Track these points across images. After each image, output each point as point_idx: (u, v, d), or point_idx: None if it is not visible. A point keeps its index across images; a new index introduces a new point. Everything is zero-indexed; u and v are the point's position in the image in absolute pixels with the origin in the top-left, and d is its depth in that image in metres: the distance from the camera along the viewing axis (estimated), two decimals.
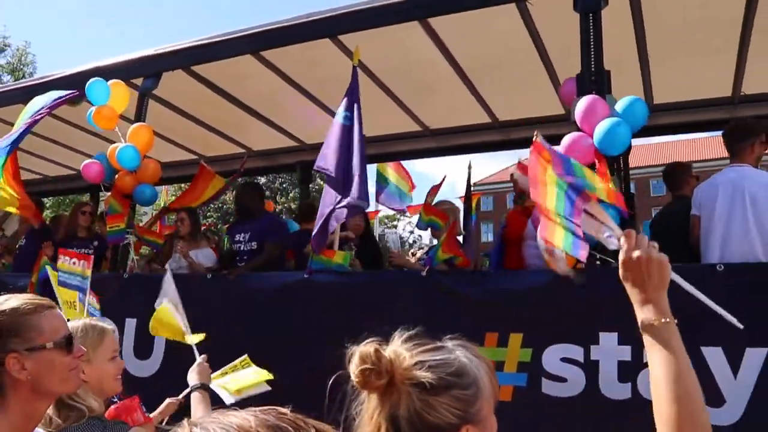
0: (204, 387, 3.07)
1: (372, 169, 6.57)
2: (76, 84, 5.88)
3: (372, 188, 6.30)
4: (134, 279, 5.40)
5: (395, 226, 33.50)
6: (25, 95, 6.30)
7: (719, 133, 4.82)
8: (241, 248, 5.67)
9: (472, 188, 5.47)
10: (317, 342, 4.61)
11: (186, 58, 5.69)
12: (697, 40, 5.29)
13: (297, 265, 5.76)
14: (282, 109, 6.65)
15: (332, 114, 5.17)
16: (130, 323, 5.13)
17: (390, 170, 9.56)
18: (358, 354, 1.44)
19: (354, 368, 1.44)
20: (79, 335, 2.60)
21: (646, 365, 3.63)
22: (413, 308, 4.34)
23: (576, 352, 3.84)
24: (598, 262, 3.96)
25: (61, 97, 5.64)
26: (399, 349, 1.48)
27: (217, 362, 3.91)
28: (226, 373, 3.49)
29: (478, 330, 4.08)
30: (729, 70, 5.68)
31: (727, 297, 3.59)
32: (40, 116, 5.45)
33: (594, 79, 4.24)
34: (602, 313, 3.84)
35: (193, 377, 3.11)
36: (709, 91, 6.06)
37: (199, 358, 3.25)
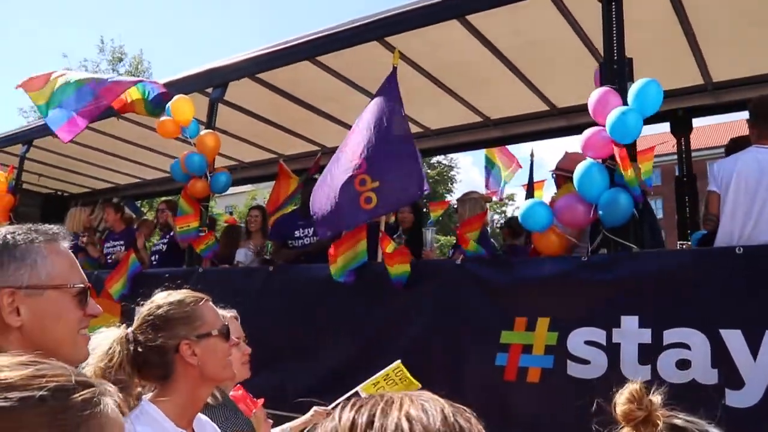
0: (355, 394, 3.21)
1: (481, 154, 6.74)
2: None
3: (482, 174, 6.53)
4: (207, 273, 5.90)
5: (504, 212, 33.29)
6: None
7: None
8: (302, 244, 6.06)
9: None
10: (368, 328, 4.96)
11: (250, 67, 6.14)
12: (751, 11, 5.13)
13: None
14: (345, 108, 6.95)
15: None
16: None
17: (496, 155, 9.75)
18: (628, 391, 1.61)
19: (622, 403, 1.61)
20: None
21: (665, 347, 3.77)
22: (450, 295, 4.59)
23: (599, 335, 3.94)
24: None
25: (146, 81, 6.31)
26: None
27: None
28: (378, 382, 3.59)
29: (509, 315, 4.27)
30: None
31: (747, 280, 3.66)
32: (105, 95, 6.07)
33: (616, 68, 4.30)
34: (624, 297, 3.94)
35: None
36: None
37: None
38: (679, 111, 6.38)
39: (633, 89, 4.09)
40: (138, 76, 27.35)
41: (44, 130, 7.97)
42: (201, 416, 2.25)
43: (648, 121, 6.59)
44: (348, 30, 5.53)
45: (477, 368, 4.33)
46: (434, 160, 30.73)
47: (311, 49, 5.77)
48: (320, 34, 5.71)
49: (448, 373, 4.42)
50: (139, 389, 2.08)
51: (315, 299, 5.23)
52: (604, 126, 4.12)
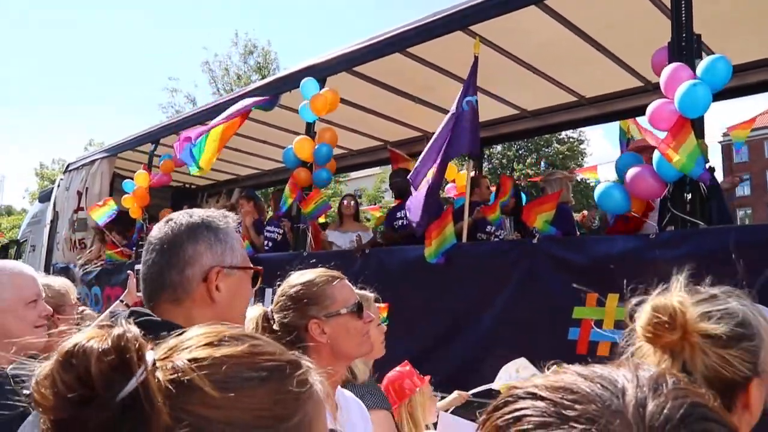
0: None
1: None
2: (274, 89, 7.25)
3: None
4: (310, 257, 6.39)
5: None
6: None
7: None
8: (402, 224, 6.44)
9: None
10: (455, 309, 5.26)
11: (345, 63, 6.54)
12: None
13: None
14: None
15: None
16: None
17: (629, 125, 9.66)
18: (651, 306, 1.37)
19: (644, 321, 1.36)
20: None
21: None
22: (524, 273, 4.80)
23: None
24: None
25: (251, 104, 6.87)
26: (683, 299, 1.38)
27: None
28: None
29: (580, 291, 4.43)
30: None
31: None
32: (231, 118, 6.69)
33: (684, 44, 4.31)
34: (690, 273, 4.00)
35: None
36: None
37: None
38: None
39: (702, 65, 4.13)
40: (266, 67, 28.71)
41: (169, 129, 8.83)
42: (345, 392, 2.32)
43: (749, 90, 6.48)
44: (431, 22, 5.79)
45: (551, 342, 4.52)
46: (563, 134, 30.23)
47: (399, 42, 6.07)
48: (406, 28, 6.00)
49: (525, 347, 4.64)
50: None
51: (408, 280, 5.57)
52: (671, 99, 4.19)
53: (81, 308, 3.78)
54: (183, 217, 1.78)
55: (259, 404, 0.79)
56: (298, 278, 2.23)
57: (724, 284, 3.79)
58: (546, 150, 31.12)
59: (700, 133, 4.21)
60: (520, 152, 31.54)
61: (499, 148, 30.05)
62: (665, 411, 0.65)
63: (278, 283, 2.30)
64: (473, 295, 5.05)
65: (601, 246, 4.56)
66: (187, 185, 12.08)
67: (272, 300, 2.29)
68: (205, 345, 0.82)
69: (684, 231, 4.13)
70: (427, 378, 3.44)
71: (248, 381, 0.79)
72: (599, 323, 4.32)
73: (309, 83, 6.39)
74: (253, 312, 2.21)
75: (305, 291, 2.16)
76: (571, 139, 31.25)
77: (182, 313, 1.66)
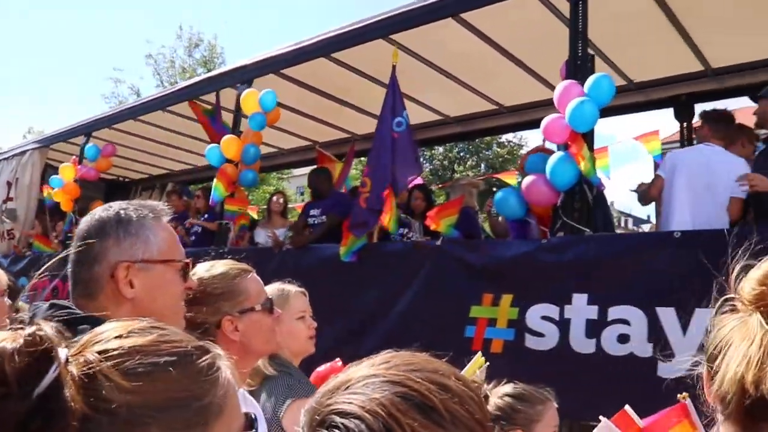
0: None
1: None
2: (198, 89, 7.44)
3: None
4: (229, 252, 6.54)
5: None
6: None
7: None
8: (315, 222, 6.65)
9: None
10: (367, 305, 5.49)
11: (273, 65, 6.73)
12: None
13: None
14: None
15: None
16: None
17: None
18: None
19: (759, 278, 1.23)
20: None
21: (609, 323, 4.16)
22: (429, 272, 5.07)
23: (553, 310, 4.34)
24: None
25: None
26: None
27: None
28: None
29: (478, 291, 4.71)
30: None
31: (682, 262, 3.99)
32: None
33: (579, 64, 4.63)
34: (575, 276, 4.32)
35: None
36: None
37: None
38: (682, 96, 6.57)
39: (588, 83, 4.44)
40: (212, 61, 28.64)
41: (102, 122, 8.87)
42: (242, 390, 2.13)
43: (652, 106, 6.88)
44: (354, 30, 6.02)
45: (450, 339, 4.77)
46: (503, 138, 30.78)
47: (324, 48, 6.29)
48: (331, 34, 6.22)
49: (427, 343, 4.89)
50: None
51: (324, 277, 5.78)
52: (563, 114, 4.49)
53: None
54: (99, 211, 1.72)
55: (168, 387, 0.84)
56: (208, 270, 2.08)
57: (608, 285, 4.14)
58: (486, 153, 31.69)
59: (590, 146, 4.53)
60: (461, 154, 32.10)
61: (440, 149, 30.60)
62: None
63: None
64: (382, 292, 5.30)
65: (497, 249, 4.86)
66: (121, 178, 12.07)
67: None
68: (114, 338, 0.87)
69: (572, 237, 4.44)
70: None
71: (156, 366, 0.84)
72: (493, 322, 4.62)
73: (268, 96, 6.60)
74: None
75: (218, 285, 2.03)
76: (510, 143, 31.86)
77: (97, 308, 1.60)
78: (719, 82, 6.47)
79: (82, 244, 1.66)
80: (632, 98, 6.90)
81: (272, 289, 2.74)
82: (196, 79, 8.30)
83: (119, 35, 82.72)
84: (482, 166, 30.68)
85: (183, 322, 1.78)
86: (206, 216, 7.91)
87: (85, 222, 1.71)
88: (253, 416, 1.04)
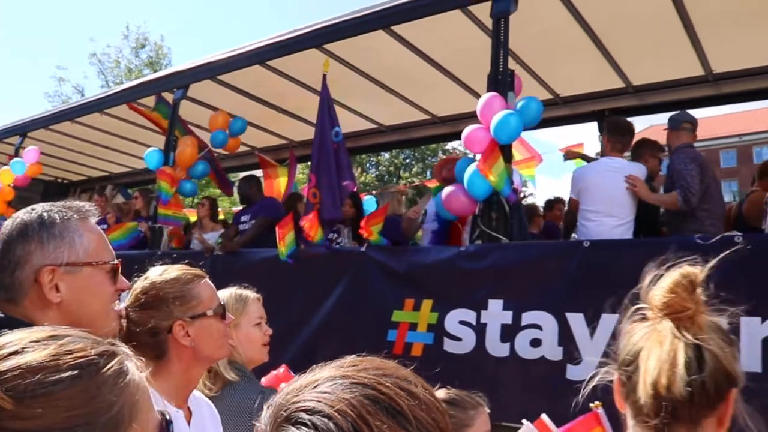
0: None
1: None
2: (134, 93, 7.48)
3: None
4: (164, 255, 6.55)
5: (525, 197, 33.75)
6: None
7: None
8: (245, 228, 6.75)
9: None
10: (298, 306, 5.58)
11: (208, 71, 6.79)
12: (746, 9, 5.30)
13: None
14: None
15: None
16: None
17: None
18: (680, 273, 1.34)
19: (668, 286, 1.34)
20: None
21: (522, 328, 4.32)
22: (355, 278, 5.19)
23: (470, 316, 4.50)
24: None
25: None
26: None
27: None
28: None
29: (400, 296, 4.85)
30: None
31: (590, 269, 4.19)
32: None
33: (500, 78, 4.82)
34: (492, 282, 4.49)
35: None
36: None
37: None
38: (605, 111, 6.84)
39: (519, 102, 4.68)
40: (158, 62, 28.39)
41: (38, 123, 8.78)
42: (196, 393, 2.21)
43: (578, 119, 7.14)
44: (288, 39, 6.12)
45: (372, 343, 4.89)
46: (449, 146, 31.18)
47: (258, 55, 6.38)
48: (265, 42, 6.32)
49: (347, 347, 5.00)
50: None
51: (252, 283, 5.84)
52: (484, 125, 4.68)
53: None
54: (22, 214, 1.66)
55: (71, 404, 0.79)
56: (160, 275, 2.06)
57: (522, 292, 4.32)
58: (432, 159, 32.06)
59: (508, 158, 4.72)
60: (407, 161, 32.45)
61: (387, 155, 30.92)
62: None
63: (134, 278, 2.13)
64: (311, 294, 5.39)
65: (418, 256, 5.01)
66: (59, 179, 11.90)
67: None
68: (9, 355, 0.82)
69: (488, 245, 4.62)
70: None
71: (56, 385, 0.79)
72: (414, 326, 4.76)
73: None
74: None
75: (170, 290, 2.02)
76: (456, 150, 32.30)
77: (22, 313, 1.57)
78: (640, 99, 6.77)
79: (3, 248, 1.61)
80: (559, 111, 7.17)
81: (229, 294, 2.76)
82: (134, 82, 8.27)
83: (63, 32, 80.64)
84: (428, 172, 31.05)
85: (115, 324, 1.76)
86: (141, 219, 7.93)
87: (6, 225, 1.65)
88: (167, 416, 0.98)
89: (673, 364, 1.29)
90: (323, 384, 0.83)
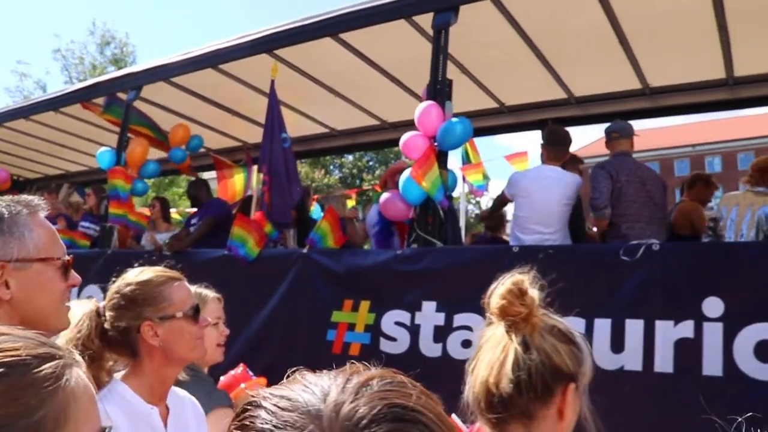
0: None
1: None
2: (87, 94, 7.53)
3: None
4: (114, 254, 6.64)
5: (479, 203, 34.07)
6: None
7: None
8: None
9: None
10: (245, 304, 5.68)
11: (161, 73, 6.88)
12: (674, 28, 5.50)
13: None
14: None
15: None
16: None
17: (469, 149, 10.31)
18: (511, 281, 1.48)
19: (500, 293, 1.48)
20: None
21: (454, 329, 4.47)
22: (297, 278, 5.33)
23: (405, 317, 4.65)
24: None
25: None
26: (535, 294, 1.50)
27: None
28: None
29: (340, 297, 4.99)
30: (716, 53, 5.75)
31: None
32: None
33: (438, 88, 4.99)
34: (425, 285, 4.66)
35: None
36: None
37: None
38: (549, 121, 7.06)
39: (442, 128, 4.83)
40: (123, 59, 28.17)
41: None
42: (177, 390, 2.24)
43: (523, 127, 7.37)
44: (240, 44, 6.24)
45: (312, 342, 5.05)
46: None
47: (211, 59, 6.48)
48: (218, 47, 6.43)
49: (288, 346, 5.15)
50: (111, 363, 2.09)
51: (199, 281, 5.94)
52: (422, 132, 4.87)
53: None
54: None
55: None
56: (135, 276, 2.12)
57: (454, 294, 4.49)
58: (395, 162, 32.30)
59: (443, 164, 4.90)
60: (371, 163, 32.65)
61: (350, 158, 31.13)
62: (358, 412, 0.66)
63: (113, 279, 2.20)
64: (256, 292, 5.51)
65: (357, 258, 5.16)
66: (15, 177, 11.82)
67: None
68: None
69: (423, 249, 4.78)
70: (263, 380, 3.47)
71: None
72: (352, 326, 4.91)
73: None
74: (84, 307, 2.10)
75: (141, 291, 2.07)
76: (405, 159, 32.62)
77: None
78: (582, 109, 7.01)
79: None
80: (505, 120, 7.40)
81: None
82: (88, 82, 8.32)
83: (25, 27, 79.41)
84: None
85: (67, 321, 1.76)
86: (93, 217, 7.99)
87: None
88: (107, 430, 0.94)
89: (503, 363, 1.46)
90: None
